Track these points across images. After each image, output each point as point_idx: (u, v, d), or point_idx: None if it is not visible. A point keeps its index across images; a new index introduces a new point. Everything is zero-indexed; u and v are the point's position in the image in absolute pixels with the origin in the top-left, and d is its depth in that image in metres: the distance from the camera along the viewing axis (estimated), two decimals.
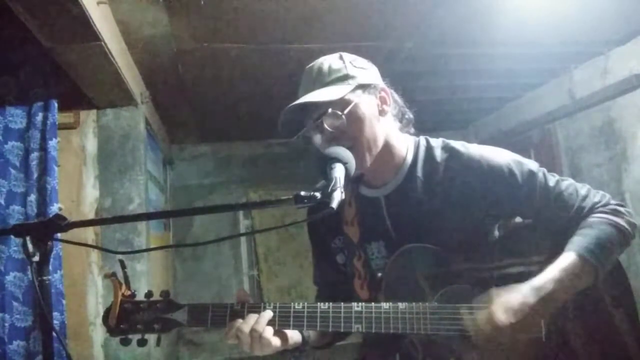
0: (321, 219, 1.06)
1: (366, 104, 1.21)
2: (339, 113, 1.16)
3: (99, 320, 2.94)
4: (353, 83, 1.19)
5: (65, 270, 2.68)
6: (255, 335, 1.10)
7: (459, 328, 1.12)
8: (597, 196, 1.22)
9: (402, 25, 2.98)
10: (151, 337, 1.16)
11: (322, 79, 1.20)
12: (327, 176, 1.02)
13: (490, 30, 3.09)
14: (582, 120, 4.15)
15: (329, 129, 1.17)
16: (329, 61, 1.23)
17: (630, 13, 3.07)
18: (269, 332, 1.11)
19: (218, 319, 1.14)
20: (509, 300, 1.09)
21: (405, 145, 1.29)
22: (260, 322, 1.11)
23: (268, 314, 1.12)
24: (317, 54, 1.29)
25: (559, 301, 1.12)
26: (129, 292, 1.15)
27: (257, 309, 1.14)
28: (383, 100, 1.25)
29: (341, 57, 1.24)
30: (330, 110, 1.16)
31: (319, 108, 1.17)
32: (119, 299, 1.13)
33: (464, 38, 3.23)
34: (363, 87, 1.21)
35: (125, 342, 1.13)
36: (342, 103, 1.17)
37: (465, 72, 3.90)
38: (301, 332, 1.21)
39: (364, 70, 1.24)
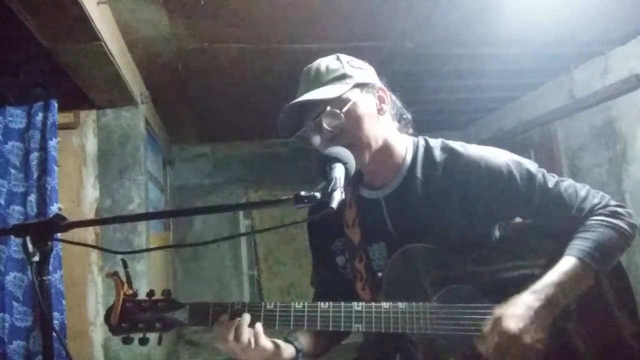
0: (321, 221, 1.06)
1: (365, 102, 1.21)
2: (338, 112, 1.16)
3: (99, 320, 2.95)
4: (351, 82, 1.19)
5: (65, 270, 2.68)
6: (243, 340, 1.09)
7: (459, 328, 1.12)
8: (596, 197, 1.22)
9: (402, 25, 2.98)
10: (152, 336, 1.16)
11: (320, 79, 1.20)
12: (327, 176, 1.02)
13: (491, 31, 3.09)
14: (582, 120, 4.14)
15: (327, 128, 1.17)
16: (326, 62, 1.24)
17: (630, 13, 3.07)
18: (255, 337, 1.11)
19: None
20: (514, 308, 1.09)
21: (404, 145, 1.29)
22: (243, 327, 1.10)
23: (246, 317, 1.12)
24: (317, 54, 1.29)
25: (560, 305, 1.11)
26: (130, 291, 1.15)
27: (257, 308, 1.14)
28: (381, 100, 1.25)
29: (338, 58, 1.24)
30: (328, 108, 1.16)
31: (318, 107, 1.17)
32: (121, 298, 1.13)
33: (464, 38, 3.23)
34: (361, 86, 1.21)
35: (127, 341, 1.13)
36: (341, 101, 1.17)
37: (466, 72, 3.89)
38: (294, 345, 1.21)
39: (362, 70, 1.24)
